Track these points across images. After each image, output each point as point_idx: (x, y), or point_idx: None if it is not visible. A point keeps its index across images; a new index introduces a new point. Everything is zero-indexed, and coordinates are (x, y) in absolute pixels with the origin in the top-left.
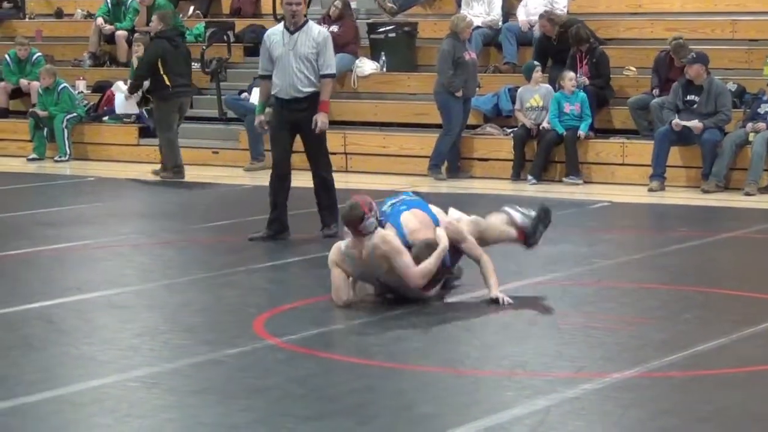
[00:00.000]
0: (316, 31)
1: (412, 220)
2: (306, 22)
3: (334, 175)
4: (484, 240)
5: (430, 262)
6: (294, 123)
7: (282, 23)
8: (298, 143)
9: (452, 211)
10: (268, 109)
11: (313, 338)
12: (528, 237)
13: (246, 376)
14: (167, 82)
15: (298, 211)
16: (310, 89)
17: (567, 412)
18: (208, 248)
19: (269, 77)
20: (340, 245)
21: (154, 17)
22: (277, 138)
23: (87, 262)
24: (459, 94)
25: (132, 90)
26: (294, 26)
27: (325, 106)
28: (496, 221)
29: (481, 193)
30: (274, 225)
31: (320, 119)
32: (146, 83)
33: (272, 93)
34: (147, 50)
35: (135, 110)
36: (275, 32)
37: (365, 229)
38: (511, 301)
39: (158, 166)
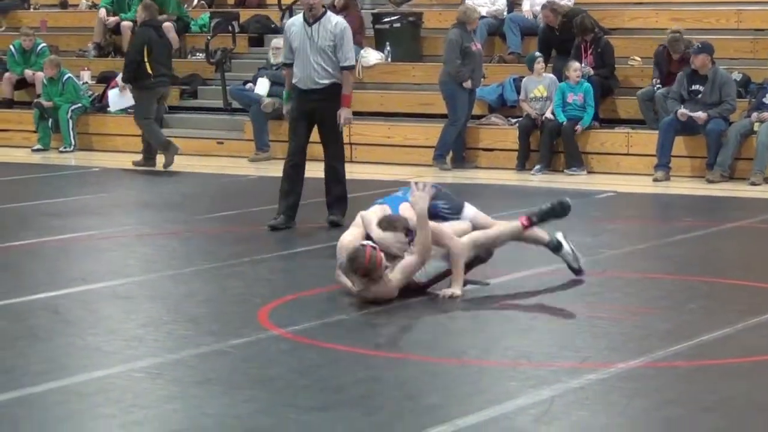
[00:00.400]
0: (334, 23)
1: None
2: (324, 13)
3: None
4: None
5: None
6: (311, 112)
7: (302, 13)
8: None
9: (468, 207)
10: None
11: (317, 329)
12: (534, 224)
13: (250, 366)
14: (149, 71)
15: (304, 202)
16: (328, 81)
17: (571, 402)
18: (212, 239)
19: (292, 65)
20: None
21: (138, 7)
22: (295, 128)
23: (92, 253)
24: (468, 84)
25: (127, 80)
26: (312, 18)
27: (347, 100)
28: (499, 224)
29: (486, 184)
30: (290, 211)
31: (344, 114)
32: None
33: (293, 82)
34: (134, 38)
35: (131, 102)
36: (295, 23)
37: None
38: (458, 294)
39: (140, 157)
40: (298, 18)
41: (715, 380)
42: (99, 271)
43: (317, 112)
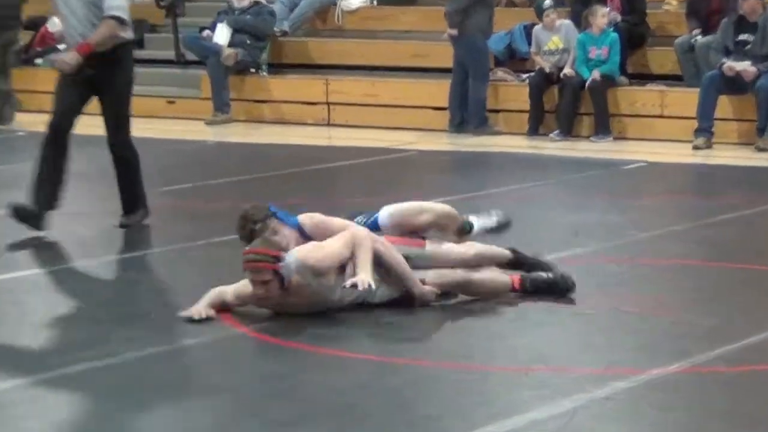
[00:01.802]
0: None
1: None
2: None
3: (314, 129)
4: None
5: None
6: (88, 80)
7: None
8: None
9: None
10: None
11: (288, 327)
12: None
13: (209, 371)
14: None
15: (265, 174)
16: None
17: (595, 416)
18: (162, 217)
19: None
20: None
21: None
22: (62, 94)
23: (15, 234)
24: (452, 32)
25: None
26: None
27: (85, 48)
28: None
29: (491, 152)
30: (46, 204)
31: (62, 56)
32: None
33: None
34: None
35: None
36: None
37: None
38: (366, 286)
39: None
40: None
41: (766, 389)
42: (23, 256)
43: (95, 79)
